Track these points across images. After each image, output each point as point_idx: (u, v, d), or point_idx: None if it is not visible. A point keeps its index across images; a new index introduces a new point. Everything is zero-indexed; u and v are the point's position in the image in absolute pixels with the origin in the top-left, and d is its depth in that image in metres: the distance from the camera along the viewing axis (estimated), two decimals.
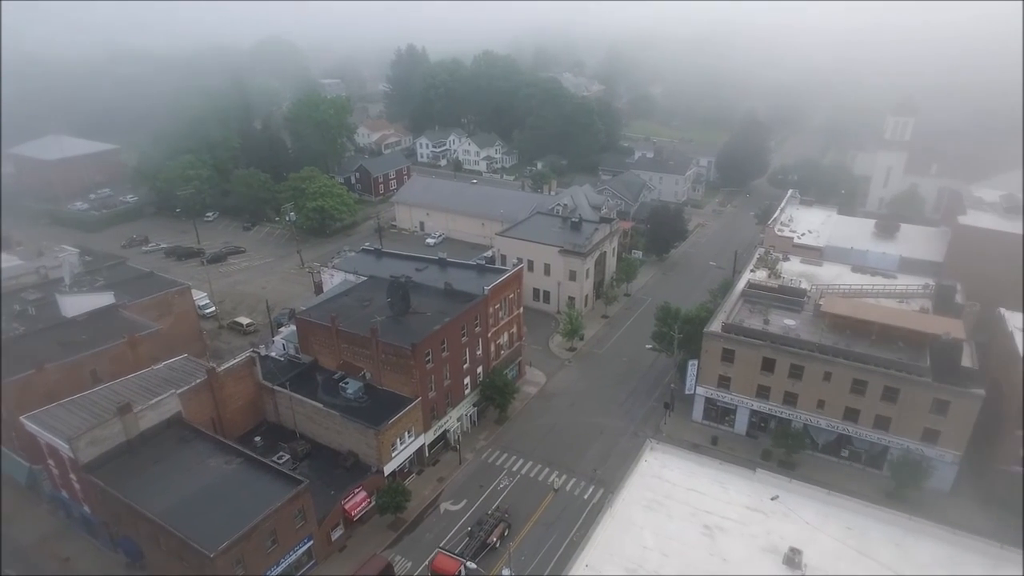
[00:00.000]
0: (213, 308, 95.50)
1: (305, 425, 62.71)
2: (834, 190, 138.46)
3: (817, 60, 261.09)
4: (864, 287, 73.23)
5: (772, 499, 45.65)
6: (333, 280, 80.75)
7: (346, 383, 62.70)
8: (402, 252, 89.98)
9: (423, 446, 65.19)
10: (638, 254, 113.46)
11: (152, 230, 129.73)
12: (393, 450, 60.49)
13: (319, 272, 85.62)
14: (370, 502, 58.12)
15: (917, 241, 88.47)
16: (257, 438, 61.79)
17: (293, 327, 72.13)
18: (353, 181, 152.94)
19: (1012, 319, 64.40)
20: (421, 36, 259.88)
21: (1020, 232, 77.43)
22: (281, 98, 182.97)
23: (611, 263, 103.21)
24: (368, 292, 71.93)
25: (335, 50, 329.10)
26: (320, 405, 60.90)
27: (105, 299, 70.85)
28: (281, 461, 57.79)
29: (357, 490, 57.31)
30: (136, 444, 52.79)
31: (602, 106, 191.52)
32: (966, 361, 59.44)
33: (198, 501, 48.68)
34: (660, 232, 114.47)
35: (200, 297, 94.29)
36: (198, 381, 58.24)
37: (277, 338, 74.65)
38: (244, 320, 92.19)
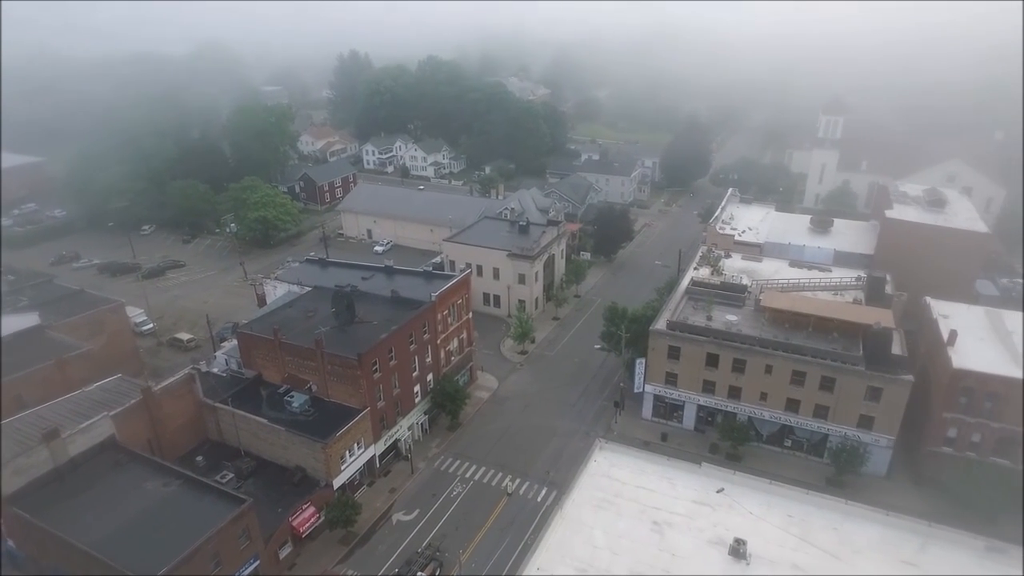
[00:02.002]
0: (151, 325, 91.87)
1: (250, 442, 60.83)
2: (772, 188, 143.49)
3: (755, 61, 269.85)
4: (801, 281, 75.72)
5: (718, 492, 46.64)
6: (276, 292, 78.72)
7: (291, 397, 61.16)
8: (348, 261, 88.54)
9: (373, 457, 64.11)
10: (586, 256, 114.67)
11: (83, 246, 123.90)
12: (342, 463, 59.27)
13: (262, 284, 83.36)
14: (319, 517, 56.77)
15: (850, 235, 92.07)
16: (199, 458, 59.62)
17: (236, 341, 69.94)
18: (297, 190, 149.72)
19: (937, 307, 67.66)
20: (364, 42, 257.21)
21: (941, 224, 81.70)
22: (220, 106, 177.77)
23: (560, 265, 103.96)
24: (313, 303, 70.42)
25: (276, 56, 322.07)
26: (264, 420, 59.20)
27: (29, 320, 67.26)
28: (224, 480, 55.84)
29: (305, 506, 55.89)
30: (65, 471, 50.12)
31: (548, 110, 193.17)
32: (896, 349, 62.03)
33: (134, 527, 46.53)
34: (607, 233, 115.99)
35: (136, 314, 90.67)
36: (133, 402, 55.85)
37: (219, 353, 72.20)
38: (184, 336, 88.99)
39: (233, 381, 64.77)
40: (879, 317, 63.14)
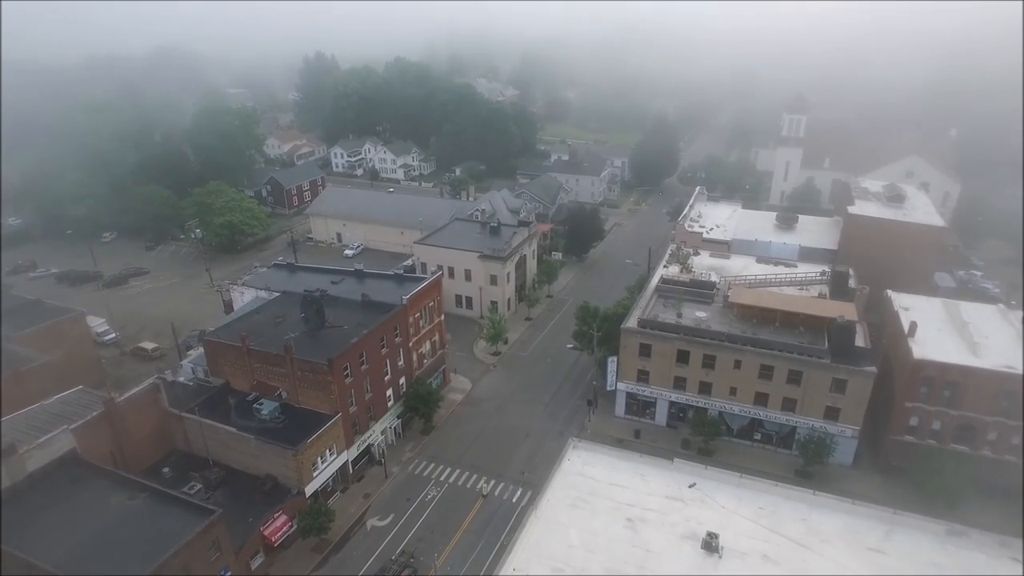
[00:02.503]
0: (113, 335, 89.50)
1: (219, 451, 59.64)
2: (739, 185, 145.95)
3: (721, 61, 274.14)
4: (768, 277, 77.18)
5: (690, 487, 47.21)
6: (244, 298, 77.41)
7: (260, 404, 60.10)
8: (318, 265, 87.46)
9: (346, 463, 63.41)
10: (558, 255, 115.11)
11: (40, 254, 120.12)
12: (314, 470, 58.49)
13: (228, 290, 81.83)
14: (291, 526, 55.93)
15: (814, 231, 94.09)
16: (165, 469, 58.25)
17: (202, 349, 68.56)
18: (264, 194, 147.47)
19: (897, 300, 69.52)
20: (330, 43, 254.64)
21: (901, 219, 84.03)
22: (183, 109, 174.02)
23: (532, 266, 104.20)
24: (281, 308, 69.38)
25: (240, 58, 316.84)
26: (233, 429, 58.12)
27: None
28: (193, 491, 54.57)
29: (277, 514, 55.03)
30: (23, 489, 48.39)
31: (517, 110, 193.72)
32: (859, 341, 63.59)
33: (99, 544, 45.15)
34: (578, 233, 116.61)
35: (98, 323, 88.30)
36: (94, 414, 54.33)
37: (185, 362, 70.77)
38: (149, 345, 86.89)
39: (200, 390, 63.45)
40: (843, 311, 64.62)
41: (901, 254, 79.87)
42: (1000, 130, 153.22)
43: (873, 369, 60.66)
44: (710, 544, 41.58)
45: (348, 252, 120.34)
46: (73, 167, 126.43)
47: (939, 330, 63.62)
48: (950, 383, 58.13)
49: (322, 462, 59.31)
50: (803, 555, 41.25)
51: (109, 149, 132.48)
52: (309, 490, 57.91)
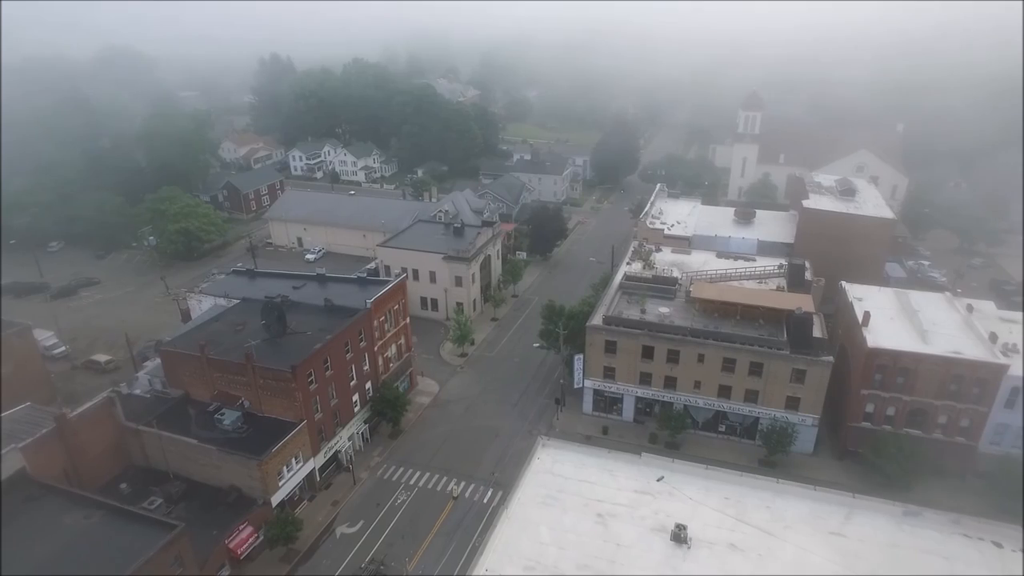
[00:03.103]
0: (63, 348, 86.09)
1: (179, 464, 57.94)
2: (698, 182, 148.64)
3: (678, 60, 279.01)
4: (728, 271, 78.69)
5: (658, 480, 47.82)
6: (202, 306, 75.40)
7: (222, 414, 58.67)
8: (278, 271, 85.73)
9: (313, 470, 62.36)
10: (522, 255, 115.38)
11: None
12: (280, 479, 57.35)
13: (185, 299, 79.59)
14: (258, 537, 54.75)
15: (771, 225, 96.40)
16: (123, 485, 56.23)
17: (159, 360, 66.53)
18: (221, 199, 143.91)
19: (851, 290, 71.67)
20: (286, 45, 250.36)
21: (853, 212, 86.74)
22: (133, 113, 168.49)
23: (496, 266, 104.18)
24: (241, 316, 67.81)
25: (192, 60, 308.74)
26: (194, 441, 56.52)
27: None
28: (153, 506, 52.89)
29: (242, 526, 53.77)
30: None
31: (478, 111, 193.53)
32: (817, 332, 65.35)
33: (55, 566, 43.34)
34: (542, 232, 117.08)
35: (46, 337, 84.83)
36: (44, 431, 52.13)
37: (141, 374, 68.53)
38: (102, 358, 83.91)
39: (158, 402, 61.63)
40: (800, 302, 66.33)
41: (854, 246, 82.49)
42: (942, 125, 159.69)
43: (830, 359, 62.46)
44: (679, 536, 42.20)
45: (309, 256, 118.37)
46: (14, 174, 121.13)
47: (891, 319, 65.84)
48: (903, 370, 60.21)
49: (288, 471, 58.20)
50: (768, 542, 42.22)
51: (53, 154, 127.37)
52: (275, 500, 56.77)
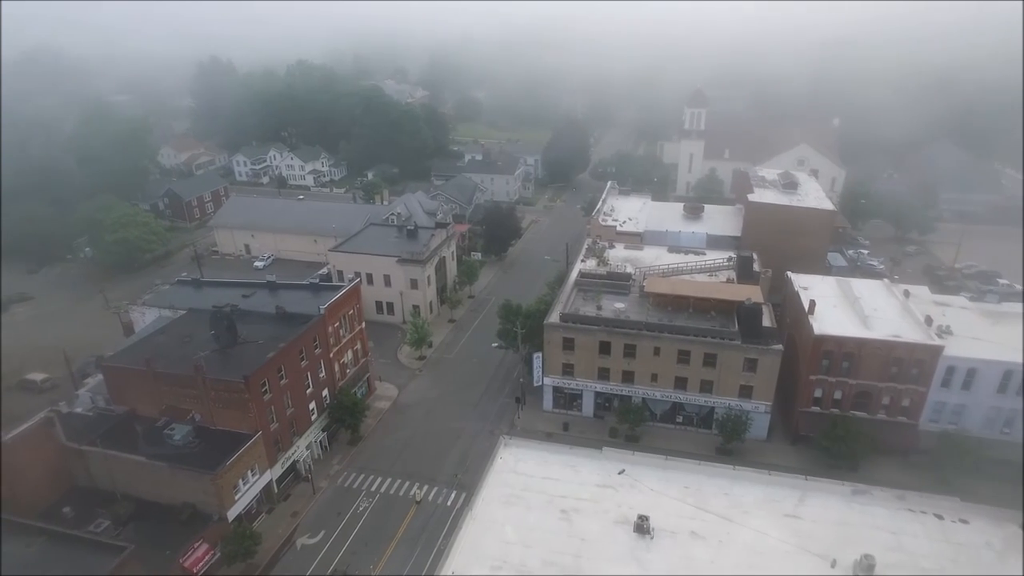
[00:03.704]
0: None
1: (128, 483, 55.58)
2: (647, 178, 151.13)
3: (624, 58, 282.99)
4: (679, 265, 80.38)
5: (619, 473, 48.43)
6: (146, 319, 72.53)
7: (172, 429, 56.54)
8: (226, 279, 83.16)
9: (271, 482, 60.77)
10: (477, 255, 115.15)
11: None
12: (236, 493, 55.68)
13: (127, 311, 76.39)
14: (215, 554, 52.98)
15: (719, 219, 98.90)
16: (66, 509, 53.63)
17: (101, 376, 63.67)
18: (162, 207, 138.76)
19: (797, 280, 74.18)
20: (225, 46, 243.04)
21: (795, 204, 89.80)
22: (62, 118, 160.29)
23: (452, 267, 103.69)
24: (188, 327, 65.51)
25: (125, 63, 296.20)
26: (142, 458, 54.34)
27: None
28: (100, 529, 50.73)
29: (197, 544, 51.94)
30: None
31: (428, 112, 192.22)
32: (766, 321, 67.31)
33: None
34: (496, 232, 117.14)
35: None
36: None
37: (82, 391, 65.35)
38: (38, 376, 79.76)
39: (102, 420, 58.93)
40: (749, 293, 68.26)
41: (798, 237, 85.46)
42: (874, 119, 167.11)
43: (780, 347, 64.52)
44: (642, 527, 42.84)
45: (258, 264, 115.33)
46: None
47: (835, 306, 68.41)
48: (847, 355, 62.67)
49: (244, 484, 56.55)
50: (727, 527, 43.30)
51: None
52: (232, 514, 55.09)
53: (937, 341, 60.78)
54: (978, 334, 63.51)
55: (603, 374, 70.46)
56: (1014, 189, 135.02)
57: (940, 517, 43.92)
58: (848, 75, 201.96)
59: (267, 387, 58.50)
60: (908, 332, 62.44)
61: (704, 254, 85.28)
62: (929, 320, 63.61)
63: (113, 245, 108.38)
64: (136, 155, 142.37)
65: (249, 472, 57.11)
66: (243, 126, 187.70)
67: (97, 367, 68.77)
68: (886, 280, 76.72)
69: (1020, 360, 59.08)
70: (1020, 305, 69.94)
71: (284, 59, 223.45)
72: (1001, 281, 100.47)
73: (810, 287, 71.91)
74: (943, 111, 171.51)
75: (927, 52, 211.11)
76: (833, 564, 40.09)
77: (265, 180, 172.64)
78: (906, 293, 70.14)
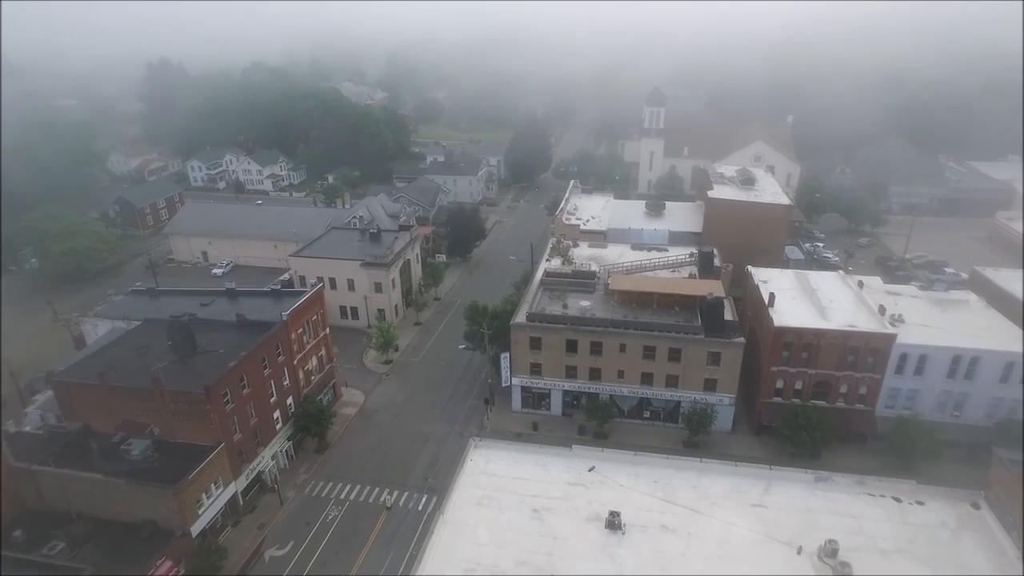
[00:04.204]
0: None
1: (84, 502, 53.44)
2: (609, 177, 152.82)
3: (583, 58, 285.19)
4: (643, 262, 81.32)
5: (589, 471, 48.73)
6: (98, 331, 70.00)
7: (129, 444, 54.61)
8: (183, 288, 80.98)
9: (235, 495, 59.26)
10: (442, 257, 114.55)
11: None
12: (199, 507, 54.11)
13: (78, 324, 73.57)
14: (179, 571, 51.36)
15: (680, 216, 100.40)
16: (17, 532, 51.20)
17: (52, 392, 61.14)
18: (113, 215, 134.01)
19: (757, 274, 75.79)
20: (176, 48, 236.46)
21: (753, 200, 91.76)
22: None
23: (416, 269, 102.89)
24: (144, 338, 63.39)
25: (68, 66, 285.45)
26: (98, 476, 52.33)
27: None
28: (54, 552, 48.69)
29: (160, 561, 50.20)
30: None
31: (388, 114, 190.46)
32: (728, 315, 68.59)
33: None
34: (460, 233, 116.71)
35: None
36: None
37: (31, 409, 62.72)
38: None
39: (53, 438, 56.57)
40: (711, 288, 69.47)
41: (756, 232, 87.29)
42: (826, 116, 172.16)
43: (742, 340, 65.80)
44: (613, 523, 43.18)
45: (217, 271, 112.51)
46: None
47: (793, 298, 70.12)
48: (806, 345, 64.31)
49: (207, 497, 55.01)
50: (696, 519, 43.97)
51: None
52: (195, 530, 53.50)
53: (890, 329, 62.81)
54: (928, 321, 65.92)
55: (571, 372, 70.79)
56: (958, 182, 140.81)
57: (898, 500, 45.41)
58: (801, 74, 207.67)
59: (229, 397, 57.04)
60: (863, 322, 64.39)
61: (666, 250, 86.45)
62: (882, 309, 65.72)
63: (61, 256, 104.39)
64: (83, 162, 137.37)
65: (212, 485, 55.60)
66: (197, 130, 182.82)
67: (47, 383, 65.96)
68: (841, 272, 79.06)
69: (968, 346, 61.49)
70: (966, 292, 73.03)
71: (238, 61, 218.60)
72: (948, 270, 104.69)
73: (769, 280, 73.55)
74: (891, 108, 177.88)
75: (876, 52, 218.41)
76: (799, 551, 41.06)
77: (221, 185, 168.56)
78: (860, 284, 72.33)
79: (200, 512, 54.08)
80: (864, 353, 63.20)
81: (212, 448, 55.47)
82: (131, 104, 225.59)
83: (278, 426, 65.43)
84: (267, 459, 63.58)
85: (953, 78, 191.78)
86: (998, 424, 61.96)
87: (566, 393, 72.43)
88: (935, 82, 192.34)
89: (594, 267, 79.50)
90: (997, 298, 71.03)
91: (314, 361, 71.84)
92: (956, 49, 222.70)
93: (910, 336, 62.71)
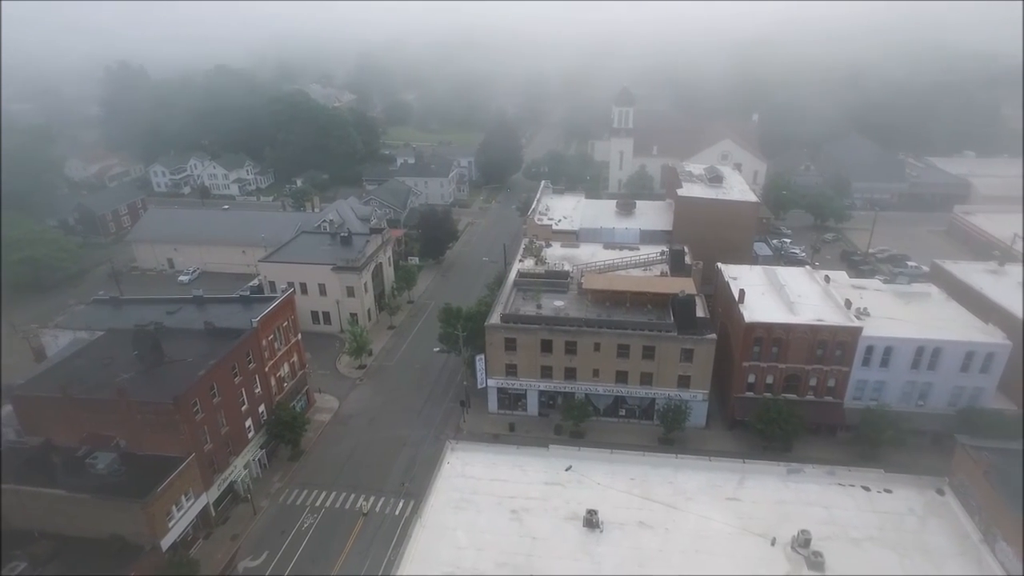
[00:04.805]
0: None
1: (48, 520, 51.69)
2: (580, 177, 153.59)
3: (552, 59, 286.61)
4: (615, 261, 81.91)
5: (567, 470, 48.87)
6: (59, 342, 67.80)
7: (95, 458, 53.02)
8: (148, 296, 79.06)
9: (207, 506, 58.00)
10: (415, 260, 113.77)
11: None
12: (169, 520, 52.83)
13: (38, 335, 71.26)
14: None
15: (651, 214, 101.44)
16: None
17: (11, 407, 59.02)
18: (72, 223, 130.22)
19: (727, 271, 76.92)
20: (137, 51, 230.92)
21: (722, 197, 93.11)
22: None
23: (389, 273, 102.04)
24: (108, 349, 61.67)
25: (22, 69, 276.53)
26: (62, 491, 50.71)
27: None
28: (15, 573, 46.99)
29: None
30: None
31: (356, 116, 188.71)
32: (700, 312, 69.46)
33: None
34: (432, 235, 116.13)
35: None
36: None
37: None
38: None
39: (12, 454, 54.55)
40: (683, 286, 70.27)
41: (725, 229, 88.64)
42: (790, 114, 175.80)
43: (714, 336, 66.67)
44: (591, 521, 43.36)
45: (183, 278, 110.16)
46: None
47: (763, 294, 71.33)
48: (776, 340, 65.43)
49: (178, 510, 53.73)
50: (672, 515, 44.41)
51: None
52: (165, 543, 52.20)
53: (857, 323, 64.29)
54: (892, 314, 67.64)
55: (546, 372, 70.91)
56: (917, 178, 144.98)
57: (867, 488, 46.48)
58: (765, 73, 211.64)
59: (198, 407, 55.81)
60: (830, 316, 65.77)
61: (638, 249, 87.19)
62: (848, 303, 67.21)
63: (18, 265, 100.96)
64: (40, 168, 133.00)
65: (183, 497, 54.33)
66: (160, 135, 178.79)
67: (6, 397, 63.74)
68: (808, 267, 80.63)
69: (930, 337, 63.23)
70: (928, 285, 75.17)
71: (201, 64, 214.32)
72: (910, 263, 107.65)
73: (739, 277, 74.68)
74: (852, 106, 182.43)
75: (837, 51, 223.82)
76: (773, 542, 41.75)
77: (186, 191, 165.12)
78: (827, 278, 73.90)
79: (170, 525, 52.81)
80: (832, 346, 64.55)
81: (182, 459, 54.20)
82: (89, 108, 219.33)
83: (250, 435, 64.25)
84: (239, 468, 62.39)
85: (910, 77, 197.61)
86: (960, 412, 63.84)
87: (542, 393, 72.53)
88: (892, 81, 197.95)
89: (567, 267, 79.78)
90: (957, 290, 73.21)
91: (286, 368, 70.74)
92: (911, 49, 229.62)
93: (875, 329, 64.23)
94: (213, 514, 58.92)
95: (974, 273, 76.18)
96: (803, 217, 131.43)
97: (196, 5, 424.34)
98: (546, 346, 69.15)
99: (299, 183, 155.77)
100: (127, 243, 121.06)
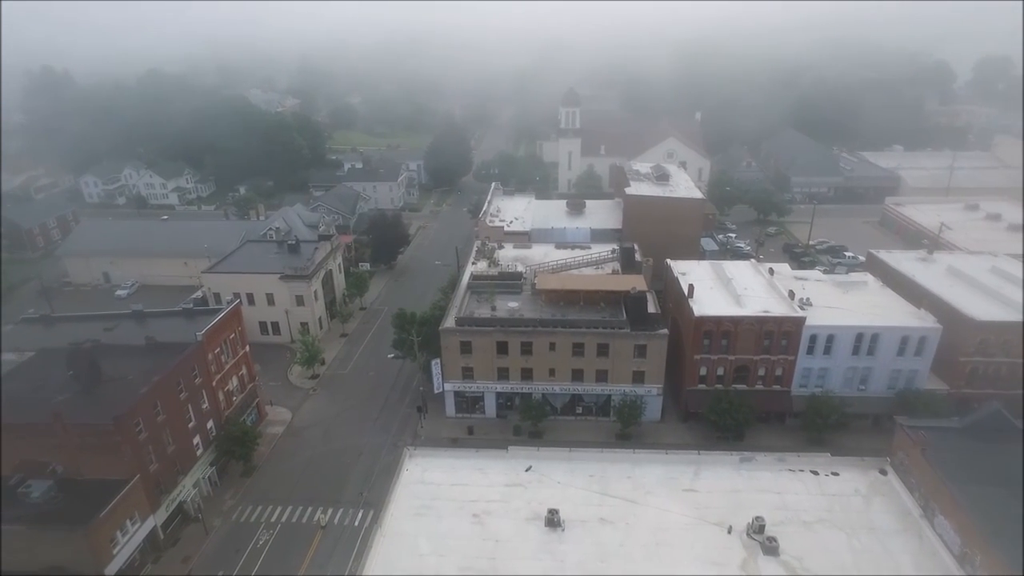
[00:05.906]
0: None
1: None
2: (530, 178, 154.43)
3: (497, 61, 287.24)
4: (567, 261, 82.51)
5: (526, 471, 48.90)
6: None
7: (28, 486, 50.19)
8: (83, 312, 75.33)
9: (154, 528, 55.61)
10: (366, 266, 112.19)
11: None
12: (114, 546, 50.42)
13: None
14: None
15: (601, 213, 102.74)
16: None
17: None
18: None
19: (676, 267, 78.48)
20: (62, 55, 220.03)
21: (669, 195, 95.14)
22: None
23: (340, 280, 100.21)
24: (40, 370, 58.44)
25: None
26: None
27: None
28: None
29: None
30: None
31: (300, 121, 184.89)
32: (651, 308, 70.76)
33: None
34: (383, 240, 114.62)
35: None
36: None
37: None
38: None
39: None
40: (634, 283, 71.36)
41: (673, 226, 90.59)
42: (731, 112, 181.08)
43: (665, 331, 67.94)
44: (552, 520, 43.50)
45: (121, 292, 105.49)
46: None
47: (711, 288, 73.10)
48: (725, 333, 67.15)
49: (123, 535, 51.34)
50: (632, 509, 44.98)
51: None
52: (111, 571, 49.81)
53: (800, 313, 66.55)
54: (832, 303, 70.34)
55: (503, 374, 70.86)
56: (851, 171, 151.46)
57: (816, 473, 48.15)
58: (706, 71, 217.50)
59: (141, 426, 53.43)
60: (776, 307, 67.89)
61: (589, 248, 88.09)
62: (792, 294, 69.55)
63: None
64: None
65: (128, 521, 51.94)
66: (90, 143, 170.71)
67: None
68: (753, 260, 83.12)
69: (868, 324, 66.05)
70: (864, 274, 78.52)
71: (132, 69, 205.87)
72: (847, 254, 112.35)
73: (688, 272, 76.32)
74: (789, 103, 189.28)
75: (772, 49, 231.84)
76: (729, 530, 42.78)
77: (121, 201, 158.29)
78: (771, 271, 76.29)
79: (115, 552, 50.42)
80: (778, 337, 66.66)
81: (125, 482, 51.81)
82: (11, 116, 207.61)
83: (199, 452, 61.96)
84: (188, 488, 60.08)
85: (841, 75, 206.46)
86: (898, 395, 66.88)
87: (499, 395, 72.44)
88: (825, 78, 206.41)
89: (520, 268, 79.95)
90: (891, 278, 76.73)
91: (235, 381, 68.56)
92: (842, 47, 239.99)
93: (818, 318, 66.61)
94: (162, 537, 56.56)
95: (906, 261, 79.99)
96: (747, 212, 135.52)
97: (121, 6, 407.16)
98: (502, 348, 69.11)
99: (242, 191, 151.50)
100: (57, 257, 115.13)
